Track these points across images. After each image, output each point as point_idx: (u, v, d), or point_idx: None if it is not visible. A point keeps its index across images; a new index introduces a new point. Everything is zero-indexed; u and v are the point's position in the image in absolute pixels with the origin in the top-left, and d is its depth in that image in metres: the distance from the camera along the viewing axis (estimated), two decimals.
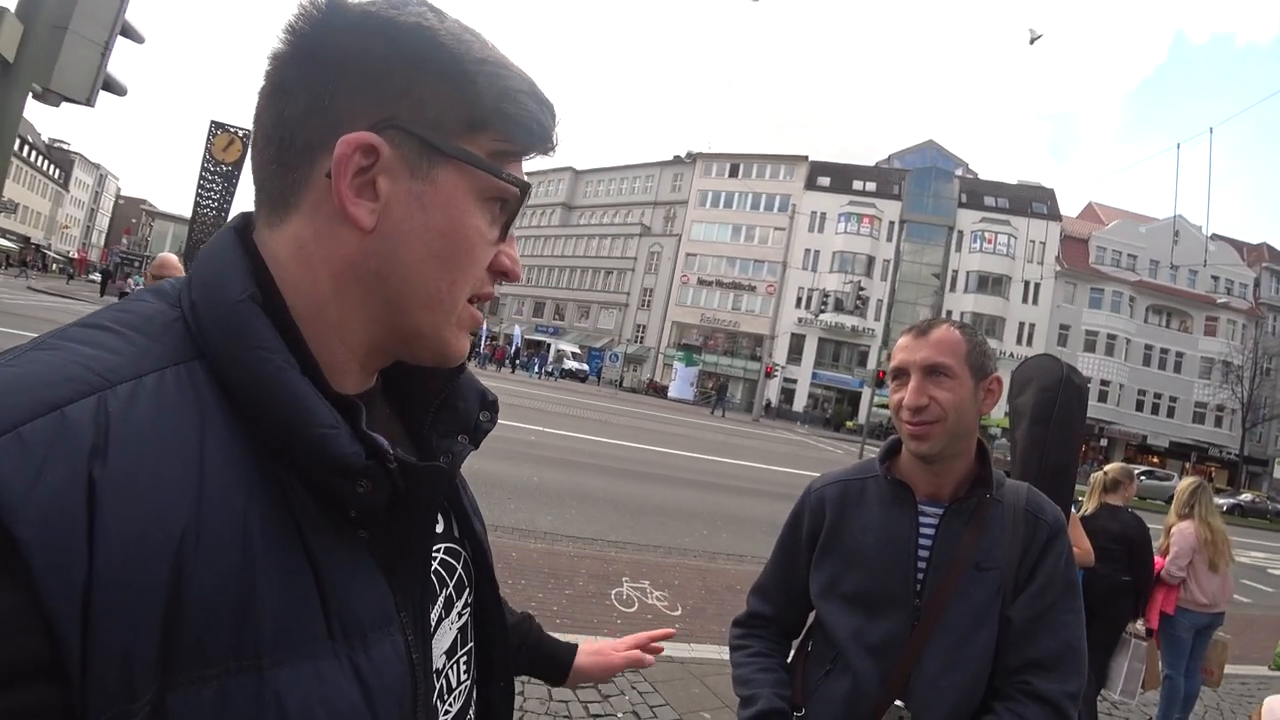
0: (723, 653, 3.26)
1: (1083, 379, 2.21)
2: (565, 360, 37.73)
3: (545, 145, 0.52)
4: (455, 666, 0.60)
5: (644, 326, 46.64)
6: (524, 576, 4.37)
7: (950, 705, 1.04)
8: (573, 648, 0.92)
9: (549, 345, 41.01)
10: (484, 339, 35.16)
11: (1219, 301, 37.41)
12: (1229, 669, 3.13)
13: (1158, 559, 3.70)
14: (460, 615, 0.61)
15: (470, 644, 0.63)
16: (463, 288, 0.50)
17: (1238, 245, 42.22)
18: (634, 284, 47.36)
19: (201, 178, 16.56)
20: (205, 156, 16.63)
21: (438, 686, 0.55)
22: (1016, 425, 2.20)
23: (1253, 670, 4.90)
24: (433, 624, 0.54)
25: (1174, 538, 3.70)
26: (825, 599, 1.17)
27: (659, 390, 39.37)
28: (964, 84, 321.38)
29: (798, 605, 1.27)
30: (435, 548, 0.57)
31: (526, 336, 43.13)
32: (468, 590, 0.62)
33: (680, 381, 38.77)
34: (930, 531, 1.12)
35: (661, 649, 1.00)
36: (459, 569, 0.61)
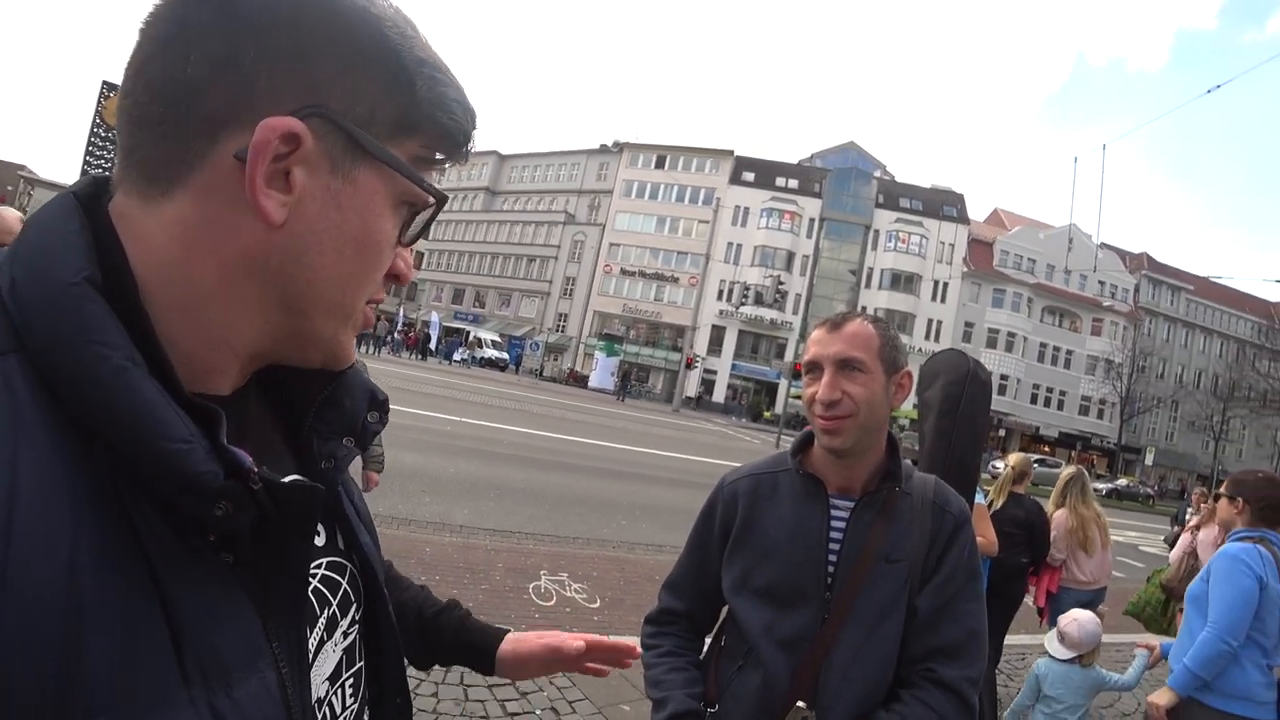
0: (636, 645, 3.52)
1: (987, 374, 2.30)
2: (485, 348, 37.45)
3: (463, 156, 0.52)
4: (340, 691, 0.56)
5: (566, 315, 46.85)
6: (439, 572, 4.40)
7: (860, 696, 1.08)
8: (500, 634, 0.89)
9: (468, 333, 40.59)
10: (399, 325, 34.44)
11: (1104, 304, 41.36)
12: (1105, 638, 3.44)
13: None
14: (346, 635, 0.56)
15: (359, 663, 0.59)
16: (362, 293, 0.49)
17: (1122, 254, 46.47)
18: (557, 272, 47.48)
19: (91, 143, 15.56)
20: (95, 120, 15.60)
21: (319, 716, 0.51)
22: (924, 418, 2.28)
23: (1123, 638, 5.16)
24: (312, 650, 0.51)
25: (1052, 524, 4.08)
26: (737, 594, 1.18)
27: (580, 380, 39.66)
28: (885, 88, 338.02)
29: (710, 600, 1.28)
30: (315, 564, 0.53)
31: (445, 324, 42.49)
32: (354, 607, 0.58)
33: (601, 371, 39.12)
34: (841, 525, 1.15)
35: (605, 672, 0.94)
36: (344, 585, 0.56)
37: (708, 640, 1.33)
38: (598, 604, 4.41)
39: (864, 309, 39.39)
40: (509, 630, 0.90)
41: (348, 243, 0.45)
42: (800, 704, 1.05)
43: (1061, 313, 44.86)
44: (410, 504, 5.90)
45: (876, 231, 43.67)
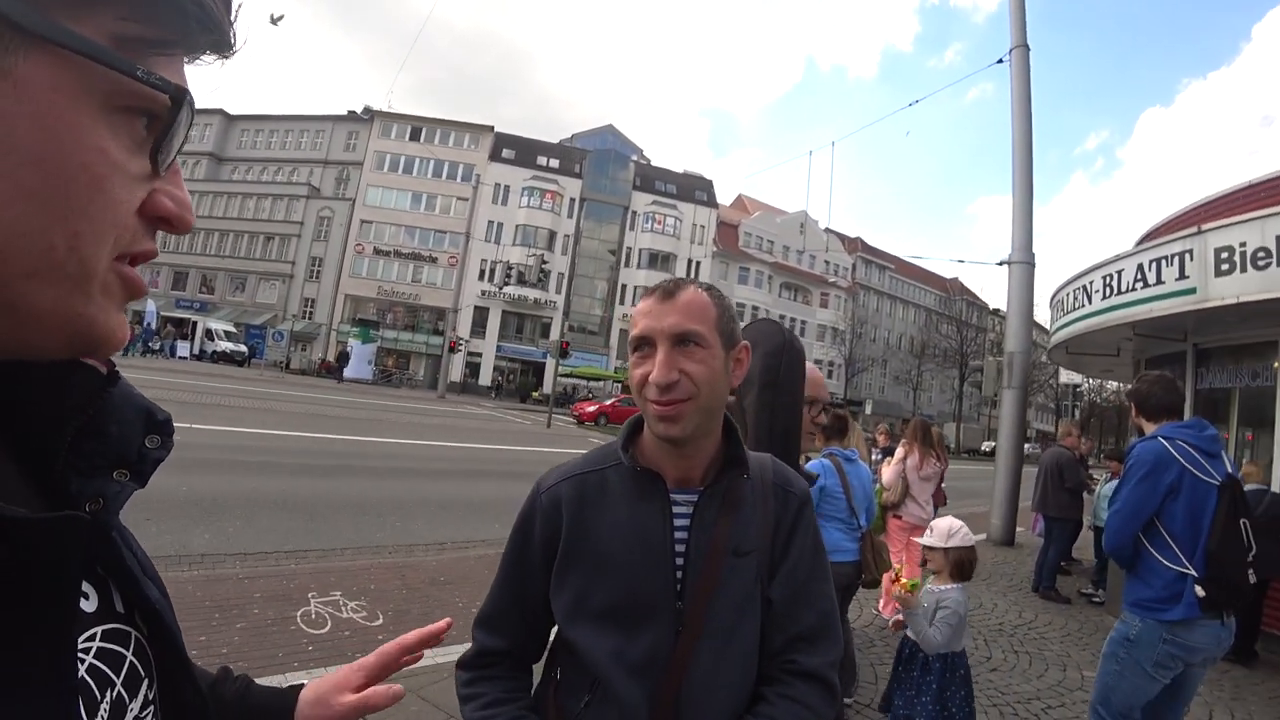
0: (437, 657, 3.44)
1: (800, 342, 2.33)
2: (217, 340, 35.84)
3: (212, 37, 0.40)
4: None
5: (313, 301, 45.92)
6: (179, 616, 4.61)
7: (725, 706, 1.03)
8: (291, 695, 0.77)
9: (195, 323, 38.30)
10: None
11: (830, 281, 51.12)
12: None
13: None
14: (139, 719, 0.47)
15: None
16: (95, 242, 0.37)
17: (843, 237, 57.46)
18: (300, 252, 46.18)
19: None
20: None
21: None
22: (746, 392, 2.22)
23: None
24: None
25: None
26: (574, 621, 1.06)
27: (333, 371, 39.43)
28: (640, 74, 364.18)
29: (536, 630, 1.16)
30: (86, 636, 0.43)
31: (164, 314, 39.53)
32: (146, 683, 0.48)
33: (357, 360, 39.26)
34: (685, 522, 1.06)
35: (419, 656, 0.90)
36: (129, 657, 0.46)
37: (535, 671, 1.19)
38: (380, 620, 4.14)
39: (624, 288, 44.57)
40: (302, 685, 0.79)
41: (26, 166, 0.33)
42: None
43: (796, 288, 54.09)
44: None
45: (634, 213, 48.91)
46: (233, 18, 0.41)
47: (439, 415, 21.97)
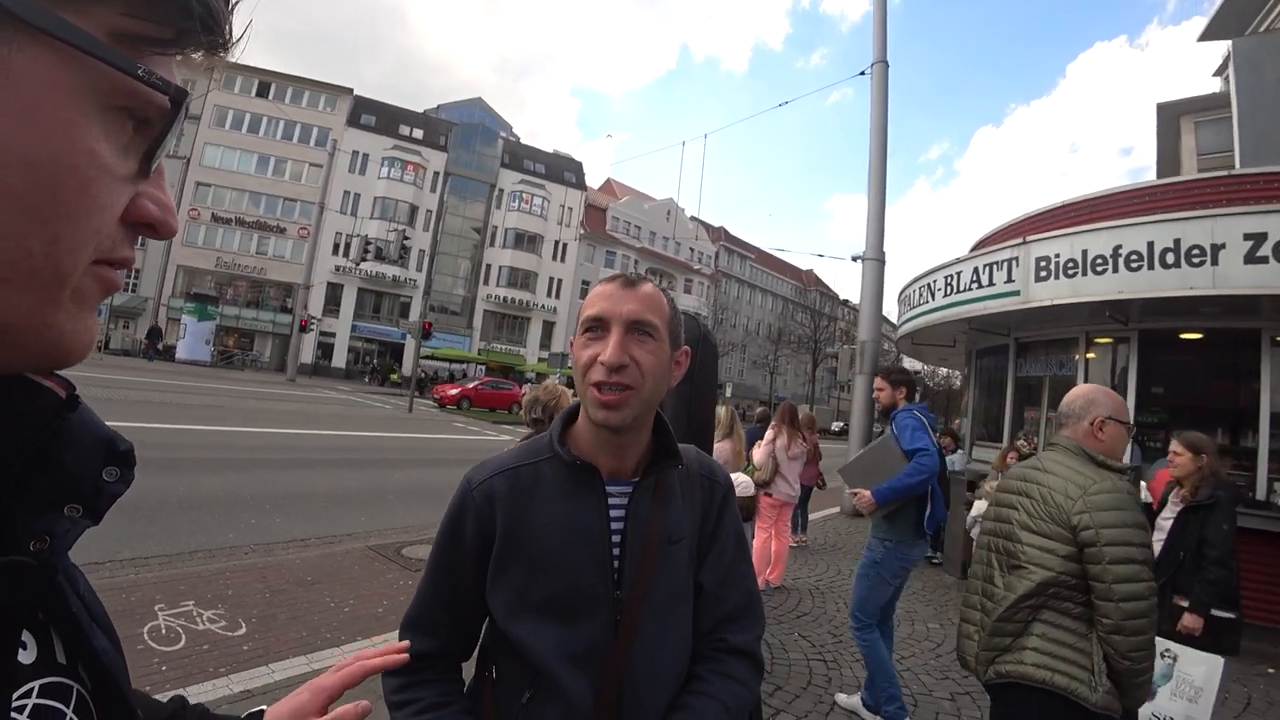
0: (314, 661, 3.40)
1: (714, 337, 2.49)
2: None
3: (211, 37, 0.38)
4: None
5: (138, 271, 40.99)
6: None
7: (664, 688, 1.09)
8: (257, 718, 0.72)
9: None
10: None
11: (694, 268, 52.70)
12: None
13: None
14: None
15: None
16: (74, 249, 0.35)
17: (707, 226, 59.50)
18: None
19: None
20: None
21: None
22: None
23: None
24: None
25: (719, 452, 4.96)
26: (514, 617, 1.06)
27: (164, 351, 35.44)
28: (512, 45, 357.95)
29: (468, 629, 1.16)
30: (22, 692, 0.40)
31: None
32: None
33: (193, 340, 35.60)
34: (620, 514, 1.10)
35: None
36: (69, 714, 0.43)
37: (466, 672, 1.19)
38: (244, 629, 3.80)
39: (489, 267, 43.35)
40: (261, 710, 0.74)
41: (14, 166, 0.31)
42: None
43: (661, 273, 55.30)
44: None
45: (501, 191, 47.78)
46: (231, 14, 0.39)
47: (291, 400, 20.74)
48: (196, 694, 3.02)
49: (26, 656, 0.41)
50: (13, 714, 0.38)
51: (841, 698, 3.96)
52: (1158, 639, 3.61)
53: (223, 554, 5.33)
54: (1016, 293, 7.23)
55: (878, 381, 4.02)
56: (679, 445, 1.18)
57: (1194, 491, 3.78)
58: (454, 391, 28.76)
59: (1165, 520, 3.96)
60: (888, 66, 10.67)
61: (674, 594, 1.11)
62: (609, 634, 1.06)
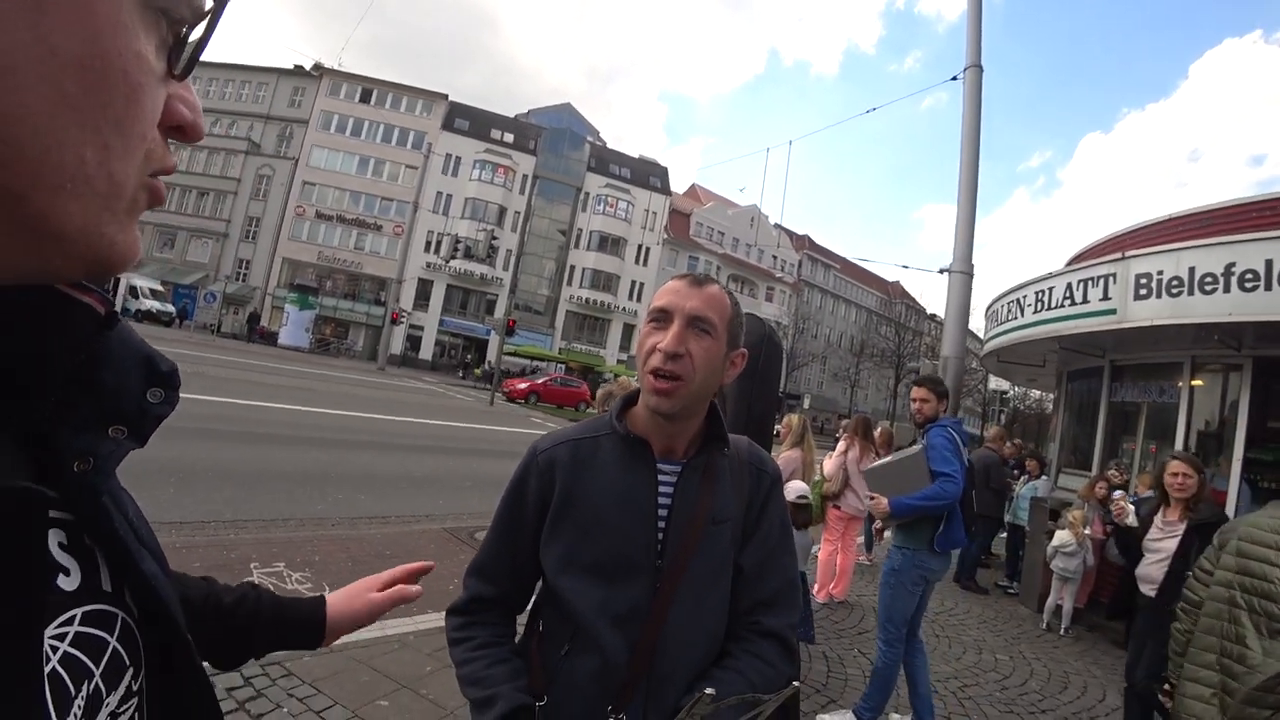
0: (386, 629, 3.65)
1: (779, 337, 2.55)
2: (142, 298, 33.87)
3: None
4: None
5: (248, 262, 44.08)
6: None
7: (696, 659, 1.15)
8: (319, 602, 0.87)
9: (116, 278, 35.84)
10: None
11: (776, 276, 51.96)
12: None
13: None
14: (117, 716, 0.41)
15: None
16: (125, 155, 0.34)
17: (791, 234, 58.48)
18: (237, 210, 44.16)
19: None
20: None
21: None
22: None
23: None
24: None
25: (786, 461, 5.03)
26: (563, 573, 1.16)
27: (267, 336, 37.99)
28: (602, 51, 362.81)
29: (525, 581, 1.26)
30: (63, 620, 0.38)
31: None
32: (130, 672, 0.43)
33: (293, 327, 38.04)
34: (669, 490, 1.18)
35: (417, 591, 1.02)
36: (113, 643, 0.41)
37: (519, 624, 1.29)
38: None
39: (572, 269, 44.24)
40: (324, 595, 0.88)
41: (65, 70, 0.30)
42: (709, 690, 1.00)
43: (743, 280, 54.83)
44: None
45: (587, 194, 48.58)
46: None
47: (380, 388, 21.70)
48: None
49: (68, 584, 0.39)
50: (52, 643, 0.36)
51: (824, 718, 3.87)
52: None
53: (311, 523, 5.72)
54: (1112, 311, 6.76)
55: (923, 393, 3.83)
56: (733, 435, 1.27)
57: (1193, 509, 3.81)
58: (523, 386, 29.40)
59: (1159, 543, 3.98)
60: (982, 71, 10.20)
61: (713, 570, 1.18)
62: (648, 599, 1.13)
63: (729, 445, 1.24)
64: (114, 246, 0.36)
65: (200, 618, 0.73)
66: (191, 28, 0.37)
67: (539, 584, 1.25)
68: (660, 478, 1.19)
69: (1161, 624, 3.53)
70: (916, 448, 3.69)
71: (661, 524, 1.17)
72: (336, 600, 0.88)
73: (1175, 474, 3.91)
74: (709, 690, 1.01)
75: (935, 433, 3.64)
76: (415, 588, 0.99)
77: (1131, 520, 4.18)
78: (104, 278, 0.38)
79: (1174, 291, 6.14)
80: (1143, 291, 6.43)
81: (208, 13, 0.36)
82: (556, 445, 1.24)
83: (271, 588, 3.66)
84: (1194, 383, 7.13)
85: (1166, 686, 2.40)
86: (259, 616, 0.78)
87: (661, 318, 1.16)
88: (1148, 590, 4.02)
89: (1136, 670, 3.86)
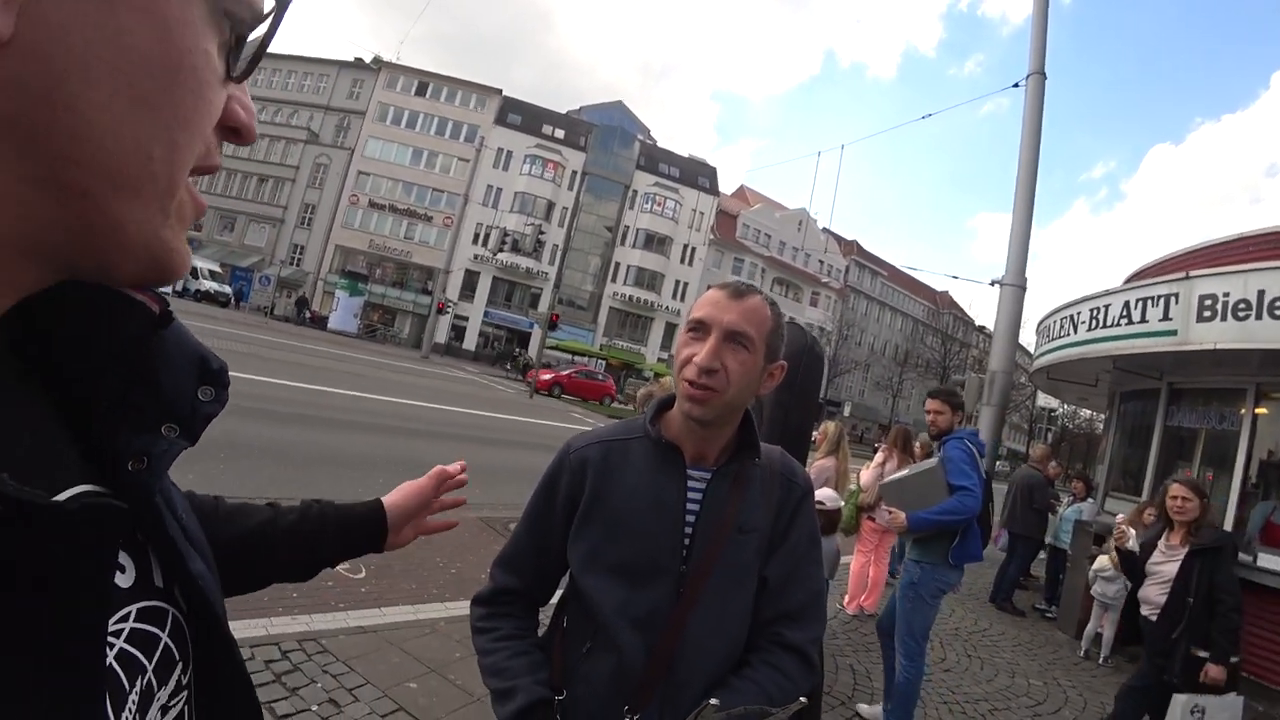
0: (419, 612, 3.75)
1: (821, 348, 2.51)
2: (201, 279, 35.26)
3: None
4: None
5: (302, 248, 45.41)
6: None
7: (714, 667, 1.14)
8: (376, 504, 0.92)
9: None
10: None
11: (822, 281, 51.32)
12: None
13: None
14: (168, 710, 0.42)
15: None
16: (188, 152, 0.35)
17: (839, 239, 57.60)
18: (294, 197, 45.55)
19: None
20: None
21: None
22: None
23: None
24: None
25: (820, 469, 5.02)
26: (588, 571, 1.17)
27: (318, 321, 39.08)
28: (656, 48, 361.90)
29: (550, 576, 1.27)
30: (119, 616, 0.38)
31: None
32: (179, 668, 0.43)
33: (343, 312, 39.01)
34: (698, 496, 1.17)
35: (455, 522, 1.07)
36: (164, 639, 0.42)
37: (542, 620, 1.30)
38: (363, 574, 4.19)
39: (618, 265, 44.40)
40: (379, 498, 0.93)
41: (138, 66, 0.31)
42: (713, 701, 1.00)
43: (788, 284, 54.30)
44: None
45: (635, 192, 48.67)
46: None
47: (425, 376, 22.05)
48: (319, 622, 3.43)
49: (124, 580, 0.40)
50: (109, 639, 0.37)
51: (864, 708, 3.89)
52: (1185, 696, 3.46)
53: None
54: (1173, 332, 6.50)
55: (937, 404, 3.80)
56: (765, 445, 1.26)
57: (1194, 533, 3.87)
58: (547, 376, 28.43)
59: (1160, 566, 4.03)
60: (1045, 78, 9.91)
61: (737, 578, 1.17)
62: (670, 602, 1.13)
63: (760, 455, 1.23)
64: (171, 253, 0.36)
65: (269, 539, 0.77)
66: (251, 29, 0.37)
67: (565, 579, 1.26)
68: (690, 484, 1.18)
69: (1163, 649, 3.76)
70: (933, 461, 3.65)
71: (688, 529, 1.16)
72: (391, 500, 0.93)
73: (1175, 497, 4.02)
74: (713, 701, 1.01)
75: (952, 445, 3.60)
76: (455, 466, 1.07)
77: (1132, 544, 4.17)
78: (157, 284, 0.38)
79: (1240, 315, 5.88)
80: (1206, 313, 6.17)
81: (268, 15, 0.37)
82: (589, 445, 1.25)
83: None
84: (1258, 411, 6.81)
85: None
86: (324, 526, 0.83)
87: (699, 329, 1.15)
88: (1148, 613, 4.09)
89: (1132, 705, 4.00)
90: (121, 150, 0.31)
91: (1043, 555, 8.49)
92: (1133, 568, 4.19)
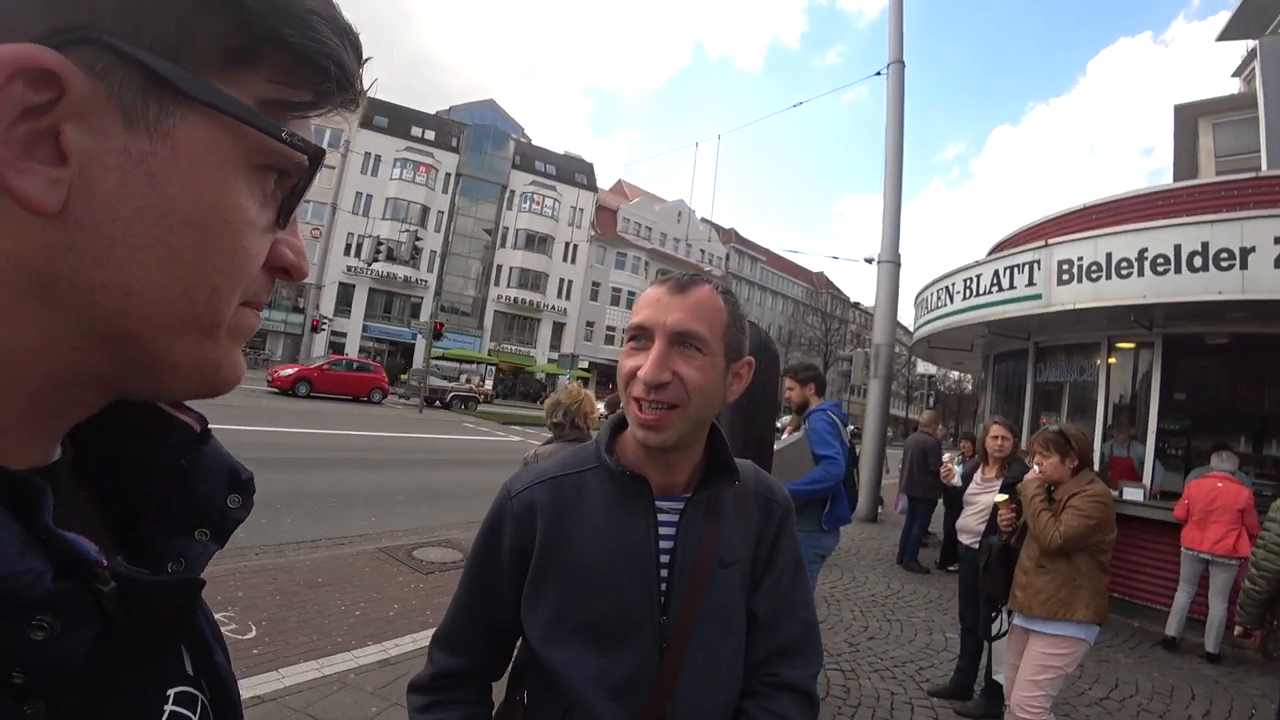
0: (324, 667, 3.38)
1: (776, 345, 2.39)
2: None
3: (345, 95, 0.40)
4: None
5: None
6: None
7: None
8: None
9: None
10: None
11: (705, 269, 52.56)
12: None
13: None
14: None
15: None
16: (230, 295, 0.38)
17: (718, 228, 59.33)
18: None
19: None
20: None
21: None
22: None
23: None
24: None
25: None
26: (550, 640, 0.97)
27: None
28: (524, 44, 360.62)
29: (500, 648, 1.08)
30: (164, 695, 0.42)
31: None
32: None
33: None
34: (670, 531, 1.00)
35: None
36: None
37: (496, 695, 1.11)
38: (254, 633, 3.80)
39: (499, 268, 43.41)
40: None
41: (177, 228, 0.34)
42: None
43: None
44: None
45: (512, 192, 47.81)
46: (361, 71, 0.42)
47: (301, 399, 20.80)
48: None
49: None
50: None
51: None
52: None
53: (232, 554, 5.13)
54: (1038, 296, 7.10)
55: (787, 381, 4.04)
56: (739, 461, 1.10)
57: (1007, 467, 4.31)
58: (287, 373, 22.41)
59: (976, 496, 4.55)
60: (904, 66, 10.57)
61: (724, 622, 1.02)
62: (652, 663, 0.96)
63: (737, 476, 1.06)
64: (219, 370, 0.40)
65: None
66: (300, 181, 0.40)
67: (519, 643, 1.07)
68: (660, 517, 1.00)
69: (977, 572, 3.95)
70: (798, 434, 3.81)
71: (664, 572, 0.99)
72: None
73: (995, 436, 4.47)
74: None
75: (815, 417, 3.78)
76: None
77: (956, 481, 4.57)
78: (210, 396, 0.42)
79: (1094, 276, 6.49)
80: (1065, 277, 6.78)
81: (309, 165, 0.40)
82: (533, 485, 1.04)
83: None
84: (1110, 361, 7.58)
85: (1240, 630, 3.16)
86: None
87: (641, 336, 0.97)
88: (967, 540, 4.42)
89: (969, 615, 4.37)
90: (166, 300, 0.35)
91: (941, 509, 9.08)
92: (954, 501, 4.60)
